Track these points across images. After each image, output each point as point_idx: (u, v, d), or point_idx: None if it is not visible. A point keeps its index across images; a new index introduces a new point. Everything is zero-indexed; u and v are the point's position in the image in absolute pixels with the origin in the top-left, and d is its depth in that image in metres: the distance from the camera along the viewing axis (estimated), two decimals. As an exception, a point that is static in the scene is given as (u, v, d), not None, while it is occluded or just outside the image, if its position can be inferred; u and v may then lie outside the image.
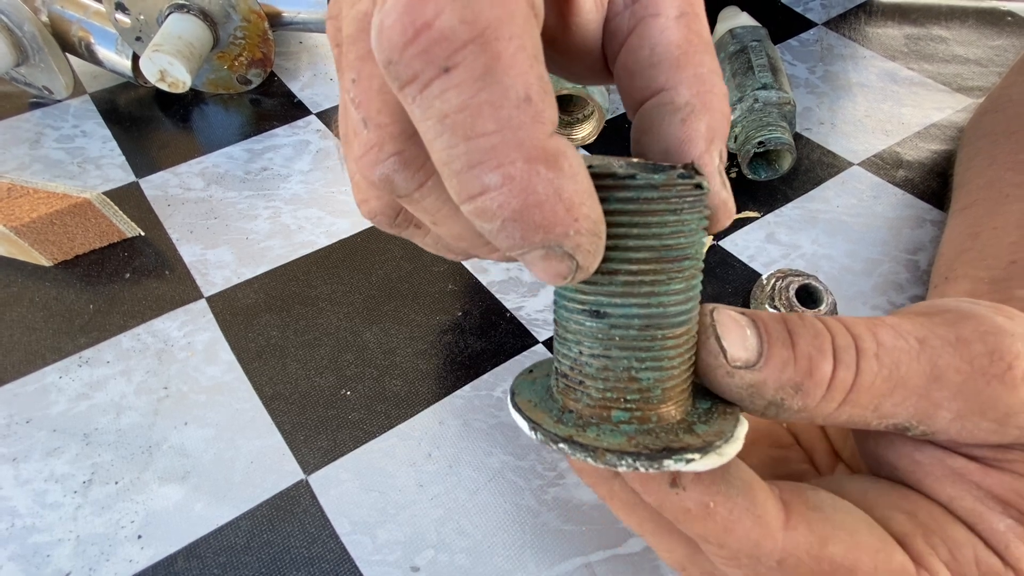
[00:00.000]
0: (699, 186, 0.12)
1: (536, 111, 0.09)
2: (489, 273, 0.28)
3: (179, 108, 0.36)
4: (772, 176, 0.31)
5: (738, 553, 0.12)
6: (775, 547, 0.12)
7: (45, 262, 0.28)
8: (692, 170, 0.12)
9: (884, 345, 0.12)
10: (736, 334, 0.12)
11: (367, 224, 0.30)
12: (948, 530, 0.13)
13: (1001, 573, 0.12)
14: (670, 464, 0.11)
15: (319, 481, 0.21)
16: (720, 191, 0.12)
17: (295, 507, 0.21)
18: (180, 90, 0.31)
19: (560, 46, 0.13)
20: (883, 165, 0.33)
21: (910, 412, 0.12)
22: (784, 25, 0.41)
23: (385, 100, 0.10)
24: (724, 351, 0.12)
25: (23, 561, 0.20)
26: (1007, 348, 0.12)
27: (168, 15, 0.32)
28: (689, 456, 0.11)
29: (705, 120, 0.12)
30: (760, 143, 0.29)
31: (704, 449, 0.11)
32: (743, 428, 0.12)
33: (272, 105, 0.36)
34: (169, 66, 0.30)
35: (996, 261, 0.21)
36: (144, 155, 0.33)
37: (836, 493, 0.14)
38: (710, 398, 0.13)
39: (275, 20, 0.36)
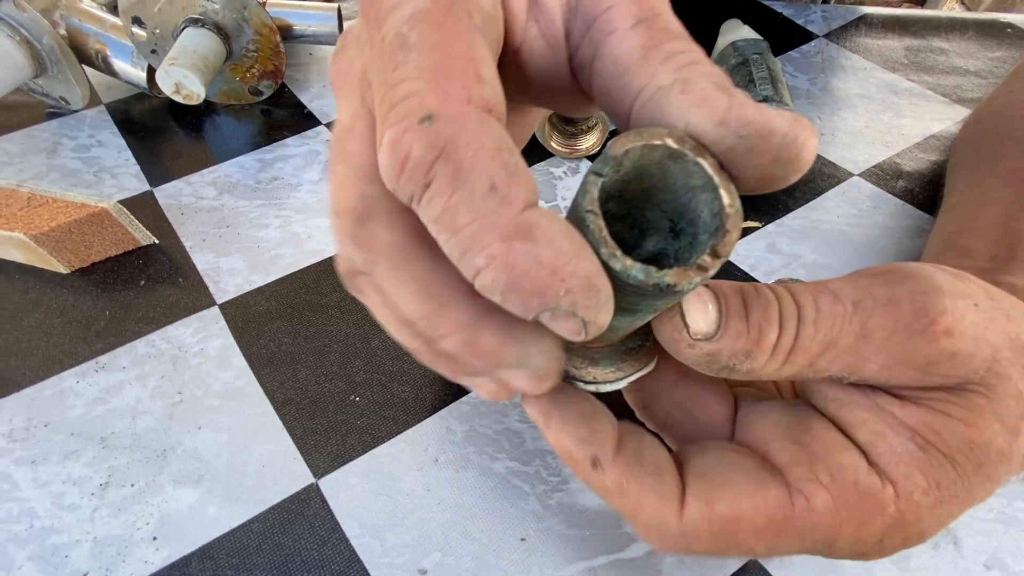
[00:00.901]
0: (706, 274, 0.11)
1: (502, 196, 0.10)
2: (495, 281, 0.28)
3: (192, 118, 0.37)
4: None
5: (649, 528, 0.14)
6: (677, 522, 0.13)
7: (63, 269, 0.28)
8: (712, 254, 0.11)
9: (822, 311, 0.13)
10: (699, 309, 0.13)
11: (375, 233, 0.30)
12: (835, 456, 0.14)
13: (879, 491, 0.13)
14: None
15: (329, 485, 0.22)
16: (761, 114, 0.11)
17: (305, 510, 0.21)
18: (194, 102, 0.32)
19: (536, 93, 0.14)
20: (883, 176, 0.33)
21: (841, 366, 0.14)
22: (785, 37, 0.42)
23: (343, 192, 0.12)
24: (687, 327, 0.13)
25: (42, 561, 0.20)
26: (934, 305, 0.13)
27: (183, 29, 0.33)
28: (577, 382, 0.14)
29: (704, 79, 0.11)
30: (761, 154, 0.30)
31: (592, 383, 0.14)
32: (631, 378, 0.14)
33: (282, 116, 0.37)
34: (184, 79, 0.31)
35: (977, 255, 0.22)
36: (158, 165, 0.34)
37: (756, 422, 0.15)
38: (641, 339, 0.15)
39: (286, 33, 0.37)
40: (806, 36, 0.42)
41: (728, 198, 0.11)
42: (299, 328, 0.27)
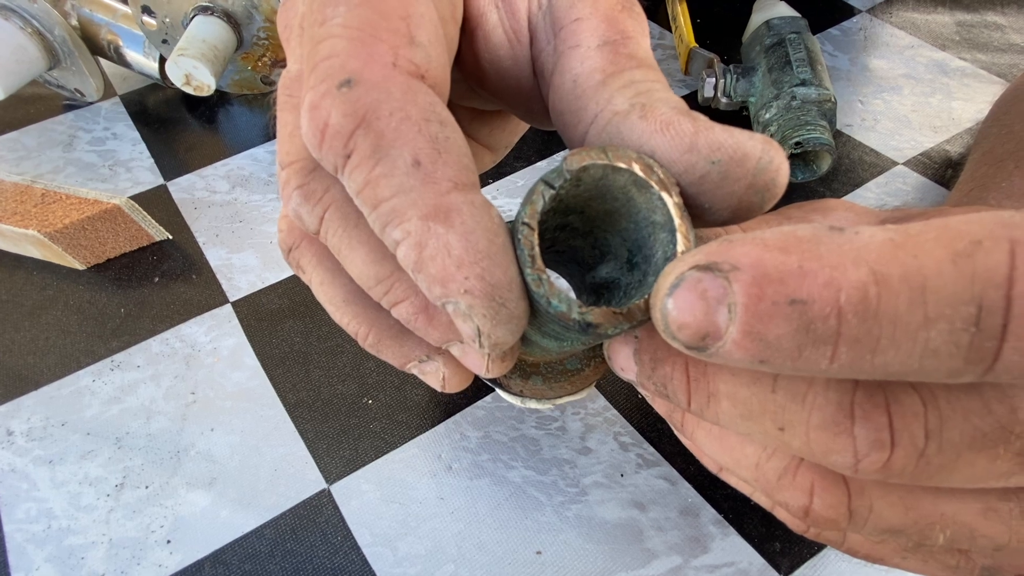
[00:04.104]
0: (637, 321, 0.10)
1: (425, 173, 0.10)
2: (512, 279, 0.27)
3: (205, 109, 0.36)
4: (810, 178, 0.30)
5: None
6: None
7: (78, 265, 0.28)
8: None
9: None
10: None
11: (389, 228, 0.30)
12: None
13: None
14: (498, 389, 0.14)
15: (341, 491, 0.21)
16: (732, 138, 0.10)
17: (318, 516, 0.21)
18: (205, 93, 0.31)
19: (494, 88, 0.13)
20: (931, 164, 0.31)
21: None
22: (824, 13, 0.39)
23: (291, 141, 0.12)
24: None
25: (59, 563, 0.20)
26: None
27: (193, 18, 0.32)
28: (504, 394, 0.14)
29: (663, 103, 0.10)
30: (797, 144, 0.28)
31: (518, 396, 0.14)
32: (558, 401, 0.14)
33: (295, 105, 0.36)
34: (194, 70, 0.30)
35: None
36: (172, 157, 0.34)
37: None
38: (581, 363, 0.14)
39: (298, 19, 0.36)
40: (847, 11, 0.39)
41: (684, 245, 0.10)
42: (311, 327, 0.26)
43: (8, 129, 0.35)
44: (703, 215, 0.11)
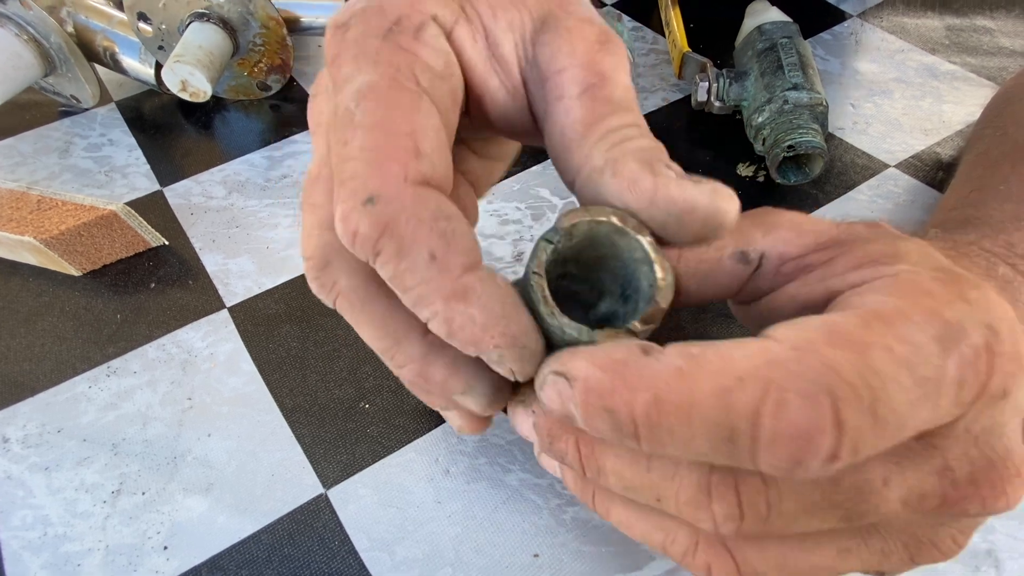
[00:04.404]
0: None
1: (440, 264, 0.12)
2: (508, 283, 0.27)
3: (201, 115, 0.36)
4: (802, 180, 0.30)
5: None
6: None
7: (74, 272, 0.28)
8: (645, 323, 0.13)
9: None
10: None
11: (385, 232, 0.30)
12: None
13: None
14: None
15: (338, 495, 0.22)
16: (684, 193, 0.12)
17: (315, 521, 0.21)
18: (201, 99, 0.32)
19: (505, 132, 0.15)
20: (922, 167, 0.31)
21: None
22: (816, 18, 0.39)
23: (308, 240, 0.14)
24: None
25: (55, 570, 0.20)
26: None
27: (189, 24, 0.32)
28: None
29: (631, 158, 0.13)
30: (790, 147, 0.28)
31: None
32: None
33: (292, 110, 0.36)
34: (190, 76, 0.30)
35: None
36: (168, 163, 0.34)
37: None
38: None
39: (293, 26, 0.36)
40: (838, 16, 0.40)
41: (660, 273, 0.13)
42: (308, 332, 0.26)
43: (4, 136, 0.35)
44: (674, 244, 0.13)
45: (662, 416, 0.10)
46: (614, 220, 0.13)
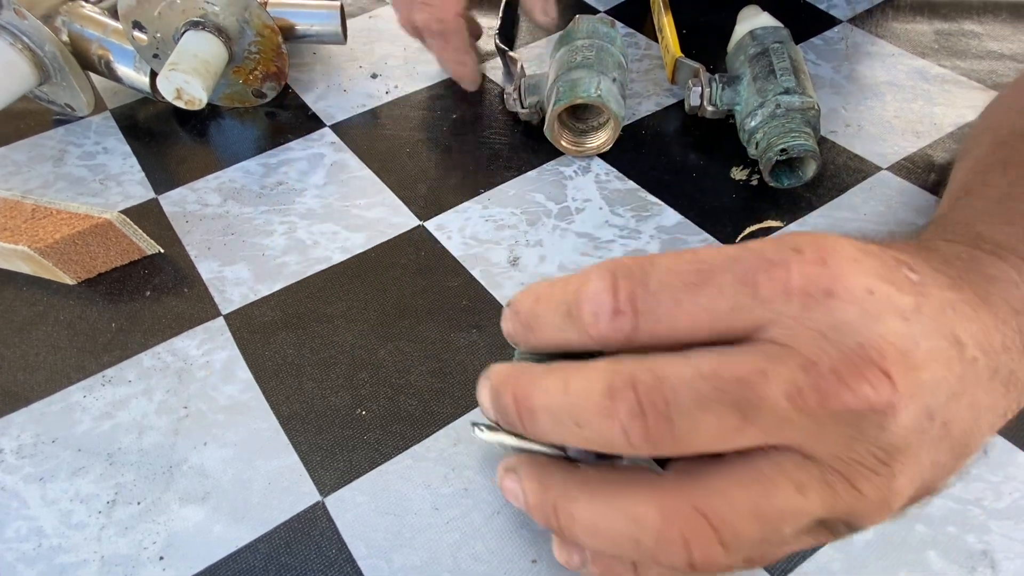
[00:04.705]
0: None
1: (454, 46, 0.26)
2: (503, 288, 0.28)
3: (196, 123, 0.36)
4: (796, 183, 0.30)
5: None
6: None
7: (69, 280, 0.28)
8: None
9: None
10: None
11: (382, 239, 0.30)
12: None
13: None
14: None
15: (335, 503, 0.21)
16: None
17: (312, 529, 0.21)
18: (197, 107, 0.32)
19: None
20: (914, 169, 0.32)
21: None
22: (807, 23, 0.40)
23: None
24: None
25: (50, 581, 0.20)
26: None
27: (184, 32, 0.32)
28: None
29: None
30: (783, 151, 0.28)
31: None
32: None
33: (287, 118, 0.36)
34: (185, 84, 0.30)
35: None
36: (163, 171, 0.34)
37: None
38: None
39: (289, 33, 0.36)
40: (829, 22, 0.40)
41: None
42: (304, 339, 0.26)
43: (-3, 145, 0.35)
44: None
45: (538, 306, 0.15)
46: None
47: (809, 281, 0.12)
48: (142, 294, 0.28)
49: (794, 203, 0.30)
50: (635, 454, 0.13)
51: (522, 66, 0.34)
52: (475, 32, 0.38)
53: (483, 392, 0.16)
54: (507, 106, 0.34)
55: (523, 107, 0.33)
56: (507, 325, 0.17)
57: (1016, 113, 0.26)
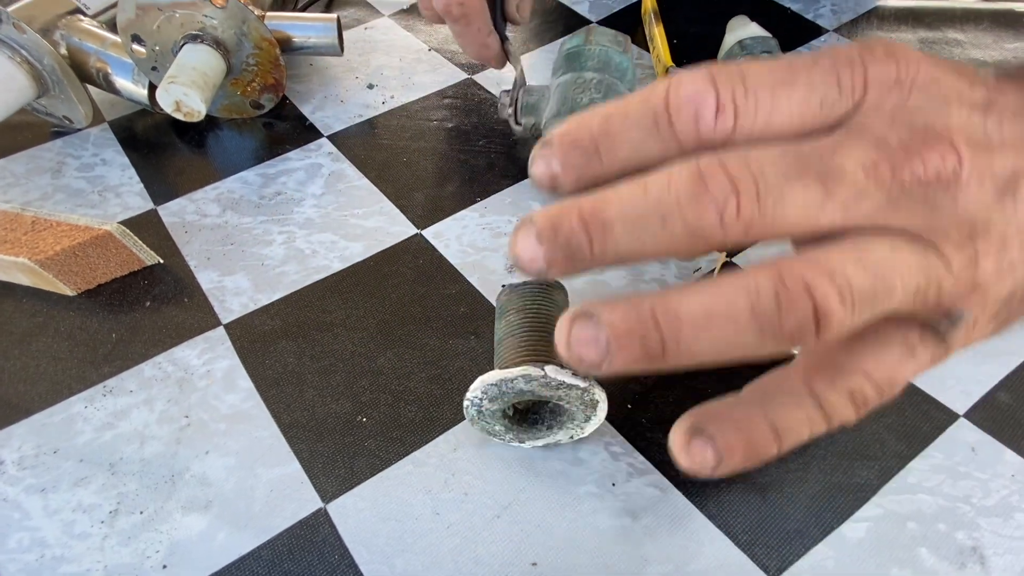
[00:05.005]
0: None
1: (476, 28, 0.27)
2: (501, 295, 0.28)
3: (194, 134, 0.37)
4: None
5: None
6: None
7: (69, 292, 0.28)
8: None
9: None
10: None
11: (380, 247, 0.30)
12: None
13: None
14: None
15: (337, 510, 0.22)
16: None
17: (314, 536, 0.21)
18: (196, 119, 0.32)
19: None
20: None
21: None
22: (794, 33, 0.41)
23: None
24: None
25: (53, 591, 0.20)
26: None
27: (182, 45, 0.33)
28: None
29: None
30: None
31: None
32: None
33: (284, 128, 0.37)
34: (184, 97, 0.31)
35: None
36: (161, 182, 0.34)
37: None
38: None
39: (286, 45, 0.37)
40: (816, 31, 0.41)
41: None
42: (304, 347, 0.26)
43: (-5, 157, 0.35)
44: None
45: (610, 124, 0.14)
46: None
47: (881, 72, 0.13)
48: (142, 304, 0.28)
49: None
50: (725, 242, 0.13)
51: (522, 70, 0.32)
52: (511, 17, 0.34)
53: (525, 237, 0.13)
54: (499, 111, 0.33)
55: (517, 123, 0.32)
56: (549, 163, 0.14)
57: None
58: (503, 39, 0.33)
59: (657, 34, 0.38)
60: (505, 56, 0.33)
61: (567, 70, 0.31)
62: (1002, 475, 0.22)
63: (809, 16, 0.42)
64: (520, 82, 0.32)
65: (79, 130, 0.37)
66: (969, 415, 0.23)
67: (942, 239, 0.13)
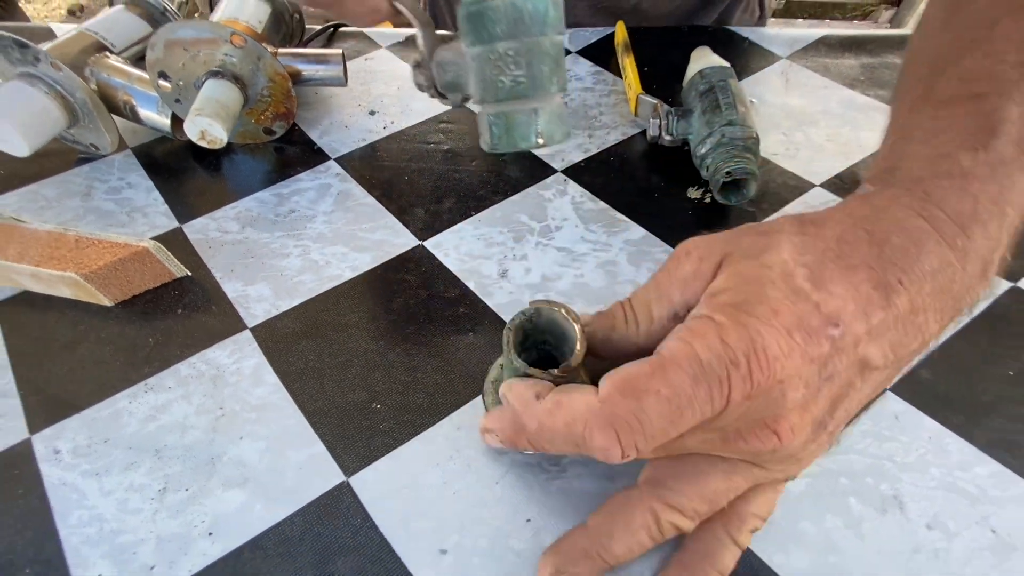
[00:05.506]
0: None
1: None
2: (495, 296, 0.32)
3: (211, 158, 0.40)
4: (741, 200, 0.35)
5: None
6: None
7: (107, 302, 0.32)
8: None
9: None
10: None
11: (386, 257, 0.34)
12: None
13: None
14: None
15: (358, 482, 0.25)
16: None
17: (339, 504, 0.25)
18: (218, 146, 0.36)
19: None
20: (843, 185, 0.37)
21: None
22: (751, 60, 0.45)
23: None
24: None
25: (113, 558, 0.23)
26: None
27: (205, 81, 0.36)
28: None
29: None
30: (728, 173, 0.33)
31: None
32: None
33: (295, 152, 0.40)
34: (209, 127, 0.34)
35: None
36: (184, 203, 0.37)
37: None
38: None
39: (296, 78, 0.40)
40: (771, 58, 0.46)
41: (578, 347, 0.21)
42: (323, 346, 0.30)
43: (27, 182, 0.39)
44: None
45: (542, 433, 0.20)
46: (562, 312, 0.22)
47: (738, 392, 0.18)
48: (174, 312, 0.32)
49: (741, 217, 0.35)
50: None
51: (427, 37, 0.28)
52: None
53: (491, 439, 0.24)
54: (415, 82, 0.30)
55: (444, 100, 0.28)
56: (494, 442, 0.24)
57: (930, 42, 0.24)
58: None
59: (627, 64, 0.43)
60: (395, 11, 0.30)
61: (475, 39, 0.24)
62: (920, 438, 0.26)
63: (764, 45, 0.47)
64: (427, 56, 0.28)
65: (104, 156, 0.40)
66: (894, 388, 0.27)
67: (767, 467, 0.21)
